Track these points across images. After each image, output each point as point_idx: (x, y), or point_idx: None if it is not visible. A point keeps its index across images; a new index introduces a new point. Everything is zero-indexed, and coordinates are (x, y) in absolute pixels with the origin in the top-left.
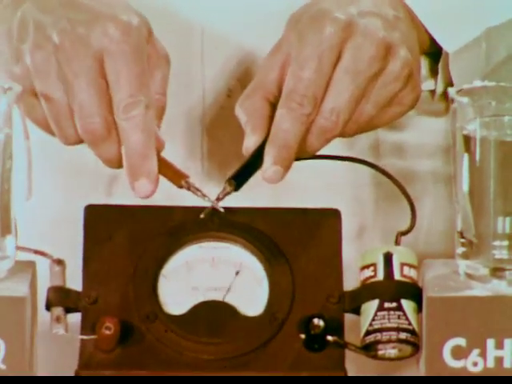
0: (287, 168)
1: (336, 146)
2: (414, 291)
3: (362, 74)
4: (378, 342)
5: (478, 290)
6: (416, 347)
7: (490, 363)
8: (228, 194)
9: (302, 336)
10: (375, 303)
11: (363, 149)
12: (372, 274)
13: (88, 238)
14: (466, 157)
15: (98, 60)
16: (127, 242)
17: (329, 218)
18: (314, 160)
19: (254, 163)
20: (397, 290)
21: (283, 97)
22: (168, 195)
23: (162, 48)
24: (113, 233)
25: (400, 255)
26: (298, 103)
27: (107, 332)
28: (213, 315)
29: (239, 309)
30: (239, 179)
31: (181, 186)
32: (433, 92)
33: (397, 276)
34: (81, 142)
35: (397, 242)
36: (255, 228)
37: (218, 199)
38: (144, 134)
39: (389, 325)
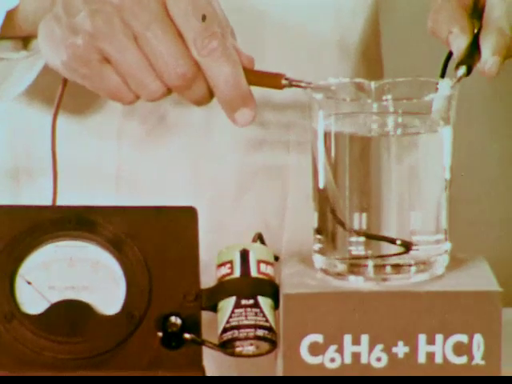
0: (503, 58)
1: None
2: (270, 288)
3: None
4: (236, 339)
5: (335, 287)
6: (273, 344)
7: (347, 359)
8: (460, 79)
9: (160, 334)
10: (232, 300)
11: None
12: (229, 271)
13: None
14: (321, 153)
15: (162, 5)
16: None
17: (185, 216)
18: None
19: (466, 61)
20: (253, 287)
21: None
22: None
23: None
24: None
25: (256, 252)
26: None
27: None
28: (70, 314)
29: (96, 307)
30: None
31: (283, 87)
32: None
33: (253, 273)
34: (168, 93)
35: (254, 240)
36: (112, 227)
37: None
38: (230, 64)
39: (246, 322)
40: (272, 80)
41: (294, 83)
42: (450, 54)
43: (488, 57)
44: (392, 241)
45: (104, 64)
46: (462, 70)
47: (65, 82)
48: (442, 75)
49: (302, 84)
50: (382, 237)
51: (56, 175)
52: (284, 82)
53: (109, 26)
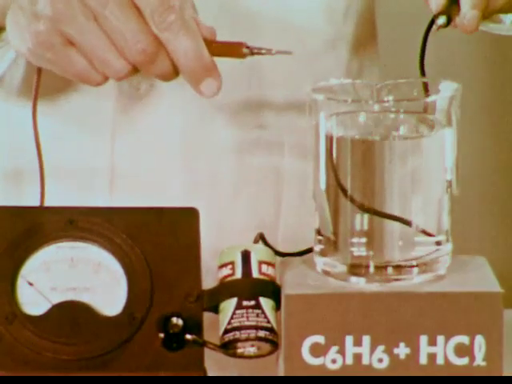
0: (482, 14)
1: None
2: (272, 289)
3: None
4: (237, 340)
5: (336, 287)
6: (275, 345)
7: (349, 360)
8: (441, 27)
9: (161, 335)
10: (233, 301)
11: None
12: (230, 272)
13: None
14: (323, 154)
15: None
16: None
17: (187, 217)
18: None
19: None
20: (255, 288)
21: None
22: None
23: None
24: None
25: (258, 253)
26: None
27: None
28: (72, 315)
29: (98, 308)
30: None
31: (244, 56)
32: None
33: (255, 274)
34: (134, 70)
35: (255, 240)
36: (113, 227)
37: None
38: (189, 36)
39: (247, 323)
40: (233, 49)
41: (254, 51)
42: (427, 34)
43: (467, 10)
44: (396, 218)
45: (68, 47)
46: (442, 19)
47: (39, 71)
48: (422, 57)
49: (263, 51)
50: (388, 214)
51: (42, 166)
52: (245, 50)
53: (69, 9)
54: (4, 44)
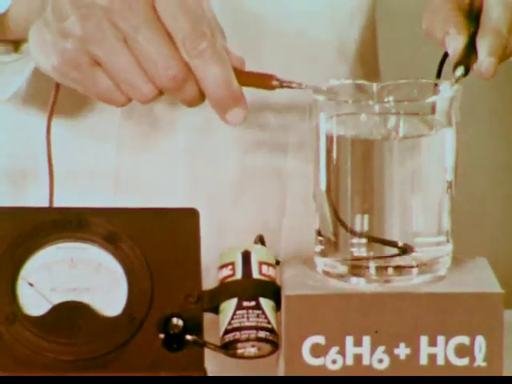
0: (500, 59)
1: None
2: (272, 289)
3: None
4: (237, 340)
5: (337, 288)
6: (275, 345)
7: (349, 361)
8: (459, 79)
9: (161, 336)
10: (234, 302)
11: None
12: (230, 272)
13: None
14: (323, 154)
15: (151, 7)
16: None
17: (187, 218)
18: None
19: (463, 61)
20: (255, 289)
21: None
22: None
23: None
24: None
25: (258, 254)
26: None
27: None
28: (72, 316)
29: (98, 309)
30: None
31: (274, 88)
32: None
33: (255, 275)
34: (160, 94)
35: (255, 242)
36: (113, 228)
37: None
38: (220, 64)
39: (248, 323)
40: (263, 81)
41: (284, 84)
42: (445, 56)
43: (484, 58)
44: (393, 244)
45: (95, 67)
46: (460, 70)
47: (58, 86)
48: (438, 77)
49: (293, 85)
50: (384, 240)
51: (52, 179)
52: (275, 82)
53: (99, 30)
54: (24, 55)
